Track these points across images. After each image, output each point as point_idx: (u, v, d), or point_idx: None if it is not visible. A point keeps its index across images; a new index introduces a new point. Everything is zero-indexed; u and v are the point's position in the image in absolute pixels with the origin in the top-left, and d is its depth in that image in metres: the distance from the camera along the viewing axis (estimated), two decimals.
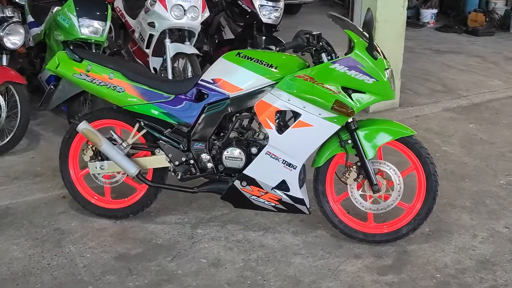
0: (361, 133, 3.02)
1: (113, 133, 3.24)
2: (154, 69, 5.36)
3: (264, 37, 5.60)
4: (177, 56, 5.15)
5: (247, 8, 5.55)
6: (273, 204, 3.14)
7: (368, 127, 3.03)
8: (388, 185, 3.11)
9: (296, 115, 2.97)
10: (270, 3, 5.57)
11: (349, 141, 3.04)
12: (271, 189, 3.09)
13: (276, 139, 3.00)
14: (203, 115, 3.12)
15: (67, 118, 4.79)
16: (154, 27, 5.10)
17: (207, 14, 5.26)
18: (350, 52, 2.90)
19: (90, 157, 3.30)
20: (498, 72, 7.22)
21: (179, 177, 3.19)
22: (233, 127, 3.13)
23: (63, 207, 3.58)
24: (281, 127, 3.03)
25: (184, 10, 5.01)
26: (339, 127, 2.96)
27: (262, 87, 3.02)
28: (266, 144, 3.09)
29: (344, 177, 3.08)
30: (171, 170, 3.25)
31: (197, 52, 5.07)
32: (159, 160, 3.25)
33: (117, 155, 3.19)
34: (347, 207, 3.27)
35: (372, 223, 3.20)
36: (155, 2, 5.11)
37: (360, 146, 3.02)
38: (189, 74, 5.12)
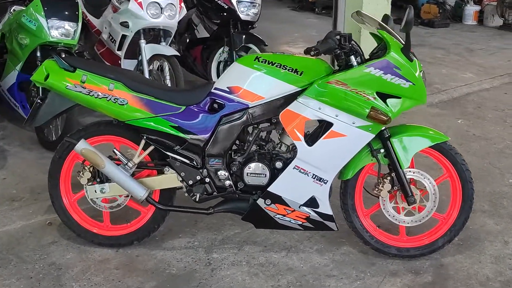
0: (394, 141, 2.78)
1: (116, 152, 2.85)
2: None
3: (244, 35, 5.27)
4: (153, 58, 4.75)
5: (223, 4, 5.20)
6: (300, 223, 2.85)
7: (401, 134, 2.80)
8: (422, 194, 2.89)
9: (326, 124, 2.70)
10: None
11: (381, 150, 2.80)
12: (299, 207, 2.81)
13: (305, 152, 2.71)
14: (219, 128, 2.78)
15: (34, 131, 4.32)
16: (128, 27, 4.68)
17: (184, 12, 4.89)
18: (385, 54, 2.65)
19: (88, 179, 2.89)
20: (466, 64, 7.23)
21: (196, 199, 2.84)
22: (255, 139, 2.82)
23: (52, 236, 3.14)
24: (311, 139, 2.74)
25: (161, 8, 4.63)
26: (373, 136, 2.71)
27: (286, 95, 2.72)
28: (291, 158, 2.81)
29: (377, 189, 2.84)
30: (185, 190, 2.89)
31: (177, 53, 4.69)
32: (170, 179, 2.89)
33: (123, 177, 2.80)
34: (376, 221, 3.02)
35: (405, 236, 2.97)
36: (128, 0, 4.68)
37: (394, 155, 2.78)
38: (167, 77, 4.74)
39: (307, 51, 2.58)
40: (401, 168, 2.79)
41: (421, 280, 2.80)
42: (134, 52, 4.81)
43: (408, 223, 2.92)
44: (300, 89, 2.71)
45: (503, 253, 3.04)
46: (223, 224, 3.27)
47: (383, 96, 2.67)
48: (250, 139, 2.85)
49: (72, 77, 2.77)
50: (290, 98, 2.73)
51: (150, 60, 4.74)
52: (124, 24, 4.68)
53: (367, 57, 2.79)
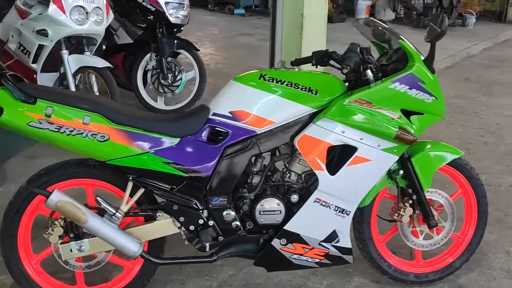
0: (415, 161, 2.53)
1: (100, 201, 2.28)
2: None
3: (175, 40, 4.76)
4: (78, 70, 4.10)
5: (150, 6, 4.65)
6: (318, 260, 2.51)
7: (420, 153, 2.55)
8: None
9: (349, 149, 2.37)
10: (176, 0, 4.74)
11: (400, 172, 2.54)
12: (318, 244, 2.46)
13: (327, 182, 2.36)
14: (223, 161, 2.34)
15: None
16: (47, 36, 3.97)
17: (111, 16, 4.28)
18: (408, 67, 2.37)
19: (59, 236, 2.30)
20: None
21: (205, 248, 2.37)
22: (267, 172, 2.42)
23: None
24: (333, 167, 2.39)
25: (86, 13, 3.98)
26: (397, 157, 2.43)
27: (300, 117, 2.36)
28: (305, 189, 2.45)
29: (398, 214, 2.57)
30: (184, 237, 2.41)
31: (109, 65, 4.08)
32: (165, 226, 2.39)
33: (111, 231, 2.26)
34: (391, 247, 2.77)
35: (421, 261, 2.75)
36: (43, 3, 3.98)
37: (415, 177, 2.53)
38: (97, 93, 4.13)
39: (344, 70, 2.24)
40: (422, 189, 2.55)
41: None
42: (53, 64, 4.11)
43: (427, 247, 2.70)
44: (316, 110, 2.35)
45: (511, 264, 2.94)
46: (213, 266, 2.82)
47: (407, 113, 2.40)
48: (255, 170, 2.44)
49: (34, 111, 2.17)
50: (302, 121, 2.36)
51: (75, 73, 4.08)
52: (42, 33, 3.97)
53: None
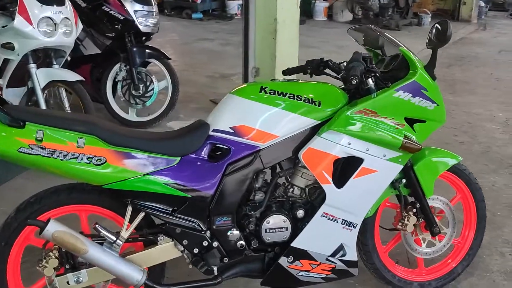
0: (416, 169, 2.49)
1: (100, 229, 2.13)
2: None
3: (146, 49, 4.60)
4: (47, 85, 3.90)
5: (118, 15, 4.48)
6: (324, 276, 2.44)
7: (421, 161, 2.52)
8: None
9: (355, 161, 2.30)
10: (145, 8, 4.60)
11: (403, 180, 2.50)
12: (325, 259, 2.39)
13: (334, 196, 2.29)
14: (226, 179, 2.23)
15: None
16: (13, 50, 3.76)
17: (80, 27, 4.09)
18: (410, 74, 2.33)
19: (55, 268, 2.14)
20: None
21: (213, 271, 2.26)
22: (273, 188, 2.33)
23: None
24: (340, 179, 2.32)
25: (55, 24, 3.78)
26: (402, 166, 2.39)
27: (303, 130, 2.28)
28: (310, 203, 2.37)
29: (402, 224, 2.53)
30: (188, 261, 2.29)
31: (81, 78, 3.90)
32: (167, 251, 2.26)
33: (112, 260, 2.11)
34: (392, 257, 2.73)
35: (424, 268, 2.72)
36: (7, 14, 3.77)
37: (418, 185, 2.50)
38: (68, 108, 3.95)
39: (354, 81, 2.16)
40: (426, 196, 2.52)
41: None
42: (20, 79, 3.90)
43: (430, 254, 2.67)
44: (319, 122, 2.28)
45: (507, 266, 2.96)
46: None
47: (409, 121, 2.36)
48: (257, 186, 2.35)
49: (23, 135, 2.00)
50: (305, 134, 2.29)
51: (44, 88, 3.88)
52: (7, 46, 3.76)
53: None
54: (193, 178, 2.20)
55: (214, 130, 2.24)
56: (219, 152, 2.27)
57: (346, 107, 2.28)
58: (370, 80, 2.31)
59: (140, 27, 4.53)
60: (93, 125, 2.11)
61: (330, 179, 2.27)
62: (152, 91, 4.74)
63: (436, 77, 2.42)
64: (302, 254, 2.34)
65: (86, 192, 2.20)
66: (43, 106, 3.78)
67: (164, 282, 2.34)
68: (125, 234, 2.17)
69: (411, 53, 2.37)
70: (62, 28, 3.82)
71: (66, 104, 3.97)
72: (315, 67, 2.59)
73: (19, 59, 3.78)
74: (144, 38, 4.82)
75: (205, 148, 2.23)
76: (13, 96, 3.96)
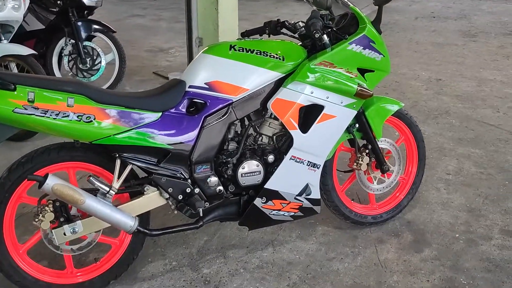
0: (367, 114, 2.82)
1: (94, 180, 2.30)
2: None
3: (91, 23, 4.67)
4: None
5: None
6: (292, 213, 2.73)
7: (371, 107, 2.85)
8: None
9: (317, 108, 2.60)
10: None
11: (356, 125, 2.83)
12: (294, 198, 2.68)
13: (301, 140, 2.58)
14: (204, 130, 2.46)
15: None
16: None
17: (28, 1, 4.09)
18: (360, 30, 2.64)
19: (51, 221, 2.30)
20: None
21: (199, 213, 2.50)
22: (246, 136, 2.58)
23: None
24: (304, 125, 2.60)
25: None
26: (356, 112, 2.71)
27: (270, 83, 2.54)
28: (278, 149, 2.65)
29: (357, 164, 2.87)
30: (173, 207, 2.51)
31: (34, 52, 3.94)
32: (154, 199, 2.47)
33: (107, 209, 2.29)
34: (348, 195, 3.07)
35: (375, 203, 3.08)
36: None
37: (369, 128, 2.83)
38: None
39: (316, 34, 2.45)
40: (375, 139, 2.86)
41: (405, 241, 2.95)
42: None
43: (381, 190, 3.03)
44: (284, 75, 2.55)
45: (443, 198, 3.38)
46: (185, 236, 2.94)
47: (361, 71, 2.68)
48: (230, 136, 2.59)
49: (16, 97, 2.13)
50: (271, 86, 2.55)
51: None
52: None
53: None
54: (174, 130, 2.41)
55: (190, 87, 2.46)
56: (193, 108, 2.48)
57: (307, 60, 2.56)
58: (325, 36, 2.60)
59: (85, 1, 4.58)
60: (80, 85, 2.26)
61: (296, 125, 2.55)
62: (99, 64, 4.82)
63: (381, 31, 2.73)
64: (274, 194, 2.62)
65: (75, 150, 2.36)
66: None
67: (151, 228, 2.54)
68: (116, 185, 2.36)
69: (360, 11, 2.67)
70: (10, 3, 3.83)
71: None
72: (273, 27, 2.83)
73: None
74: (86, 12, 4.86)
75: (183, 103, 2.44)
76: None
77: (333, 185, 2.90)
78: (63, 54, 4.73)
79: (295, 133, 2.56)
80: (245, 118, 2.63)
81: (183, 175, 2.46)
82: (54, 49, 4.72)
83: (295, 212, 2.73)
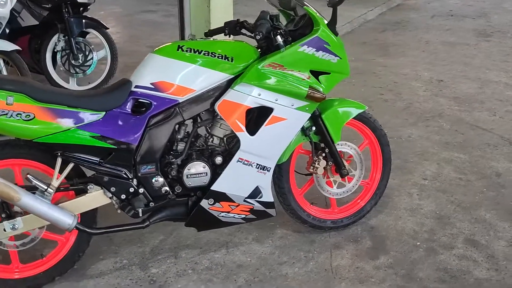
0: (325, 117, 2.77)
1: (31, 178, 2.33)
2: None
3: (84, 20, 4.72)
4: None
5: None
6: (244, 216, 2.72)
7: (329, 109, 2.80)
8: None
9: (266, 110, 2.57)
10: None
11: (313, 128, 2.78)
12: (243, 200, 2.66)
13: (248, 142, 2.55)
14: (149, 130, 2.46)
15: None
16: None
17: None
18: (313, 31, 2.59)
19: None
20: None
21: (139, 213, 2.50)
22: (192, 137, 2.56)
23: None
24: (252, 127, 2.58)
25: None
26: (309, 115, 2.67)
27: (218, 84, 2.52)
28: (228, 151, 2.63)
29: (313, 167, 2.82)
30: (117, 206, 2.52)
31: (18, 48, 4.01)
32: (97, 198, 2.48)
33: (44, 207, 2.32)
34: (308, 199, 3.02)
35: (336, 208, 3.03)
36: None
37: (326, 132, 2.78)
38: None
39: (257, 36, 2.41)
40: (333, 143, 2.81)
41: (363, 247, 2.89)
42: None
43: (340, 194, 2.98)
44: (233, 76, 2.53)
45: (413, 204, 3.30)
46: (142, 234, 2.95)
47: (315, 74, 2.63)
48: (179, 137, 2.58)
49: None
50: (221, 88, 2.53)
51: None
52: None
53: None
54: (117, 130, 2.41)
55: (136, 87, 2.46)
56: (144, 108, 2.48)
57: (257, 62, 2.53)
58: (279, 37, 2.56)
59: None
60: (21, 84, 2.29)
61: (243, 127, 2.52)
62: (91, 60, 4.88)
63: (337, 33, 2.67)
64: (221, 196, 2.60)
65: (19, 147, 2.39)
66: None
67: (95, 226, 2.56)
68: (55, 183, 2.38)
69: (315, 12, 2.62)
70: None
71: (4, 73, 4.07)
72: (232, 27, 2.81)
73: None
74: (81, 8, 4.91)
75: (128, 103, 2.45)
76: None
77: (290, 188, 2.86)
78: (56, 50, 4.80)
79: (242, 135, 2.53)
80: (197, 118, 2.61)
81: (126, 174, 2.47)
82: (48, 45, 4.78)
83: (246, 215, 2.71)
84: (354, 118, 2.89)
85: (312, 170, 2.84)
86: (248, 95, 2.50)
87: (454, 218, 3.15)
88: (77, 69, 4.87)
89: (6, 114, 2.23)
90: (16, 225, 2.36)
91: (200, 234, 2.95)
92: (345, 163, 2.91)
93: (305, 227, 2.99)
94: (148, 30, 7.70)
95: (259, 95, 2.51)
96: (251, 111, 2.56)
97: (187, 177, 2.55)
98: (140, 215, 2.51)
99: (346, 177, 2.94)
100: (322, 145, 2.83)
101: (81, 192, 2.50)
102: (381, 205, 3.25)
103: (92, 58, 4.87)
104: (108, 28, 4.89)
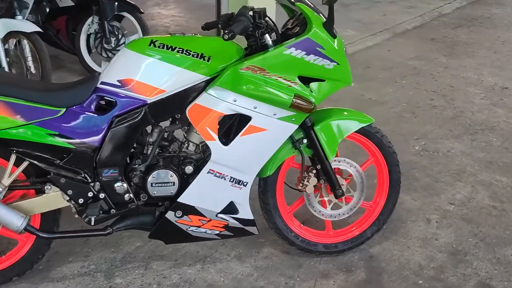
0: (318, 130, 2.44)
1: None
2: None
3: (116, 2, 4.60)
4: (9, 36, 3.96)
5: None
6: (217, 232, 2.45)
7: (324, 120, 2.46)
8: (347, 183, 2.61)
9: (243, 118, 2.28)
10: None
11: (304, 141, 2.45)
12: (216, 215, 2.39)
13: (220, 153, 2.28)
14: (111, 131, 2.24)
15: None
16: None
17: None
18: (305, 31, 2.26)
19: None
20: (344, 21, 7.09)
21: (91, 222, 2.30)
22: (158, 141, 2.33)
23: None
24: (225, 136, 2.30)
25: None
26: (297, 126, 2.34)
27: (192, 86, 2.25)
28: (202, 159, 2.37)
29: (302, 184, 2.50)
30: (74, 211, 2.34)
31: (38, 29, 3.94)
32: (53, 200, 2.31)
33: None
34: (300, 217, 2.71)
35: (331, 230, 2.69)
36: None
37: (319, 146, 2.44)
38: (29, 58, 4.00)
39: (225, 36, 2.10)
40: (327, 159, 2.47)
41: (355, 279, 2.55)
42: None
43: (335, 217, 2.64)
44: (209, 78, 2.25)
45: (429, 233, 2.89)
46: (120, 238, 2.77)
47: (306, 80, 2.30)
48: (151, 140, 2.35)
49: None
50: (196, 90, 2.26)
51: (5, 38, 3.94)
52: None
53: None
54: (77, 129, 2.22)
55: (102, 83, 2.25)
56: (109, 106, 2.27)
57: (236, 63, 2.24)
58: (267, 36, 2.26)
59: None
60: None
61: (215, 136, 2.25)
62: (123, 45, 4.75)
63: (336, 35, 2.31)
64: (190, 210, 2.36)
65: None
66: (2, 56, 3.85)
67: (56, 230, 2.40)
68: (6, 181, 2.24)
69: (310, 9, 2.28)
70: None
71: (28, 54, 4.02)
72: (226, 22, 2.52)
73: None
74: None
75: (91, 100, 2.24)
76: None
77: (276, 205, 2.56)
78: (89, 32, 4.72)
79: (213, 144, 2.26)
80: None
81: (86, 177, 2.28)
82: (83, 27, 4.71)
83: (220, 231, 2.45)
84: (358, 132, 2.53)
85: (301, 188, 2.51)
86: (222, 100, 2.21)
87: (472, 255, 2.72)
88: (109, 53, 4.77)
89: None
90: None
91: (180, 245, 2.72)
92: (343, 182, 2.56)
93: (295, 249, 2.68)
94: (207, 15, 7.47)
95: (235, 101, 2.22)
96: (226, 118, 2.28)
97: (151, 185, 2.32)
98: (92, 223, 2.31)
99: (343, 198, 2.59)
100: (315, 160, 2.50)
101: (41, 191, 2.34)
102: (392, 231, 2.87)
103: (124, 43, 4.74)
104: (142, 13, 4.74)
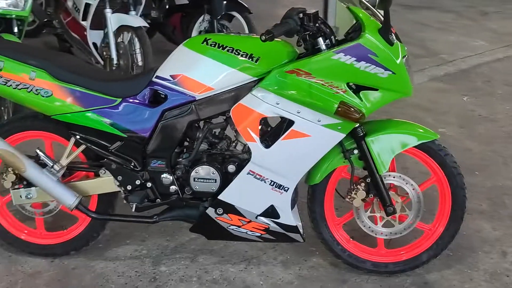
0: (370, 141, 2.31)
1: (40, 153, 2.42)
2: (94, 44, 4.48)
3: (225, 2, 4.75)
4: (121, 29, 4.28)
5: None
6: (258, 234, 2.43)
7: (379, 132, 2.32)
8: (404, 201, 2.44)
9: (287, 122, 2.23)
10: None
11: (355, 151, 2.34)
12: (256, 217, 2.38)
13: (261, 155, 2.26)
14: (161, 124, 2.33)
15: None
16: None
17: None
18: (358, 37, 2.15)
19: (12, 182, 2.47)
20: (478, 30, 6.62)
21: (133, 208, 2.42)
22: (204, 137, 2.37)
23: None
24: (268, 139, 2.27)
25: None
26: (344, 135, 2.24)
27: (240, 86, 2.26)
28: (247, 160, 2.36)
29: (350, 197, 2.38)
30: (123, 196, 2.47)
31: (145, 24, 4.21)
32: (106, 183, 2.46)
33: (48, 182, 2.38)
34: (350, 231, 2.59)
35: (383, 249, 2.54)
36: None
37: (370, 158, 2.31)
38: (137, 50, 4.28)
39: (263, 37, 2.07)
40: (378, 172, 2.33)
41: None
42: (100, 21, 4.34)
43: (386, 235, 2.48)
44: (256, 78, 2.24)
45: (500, 267, 2.59)
46: (179, 228, 2.86)
47: (357, 88, 2.19)
48: (200, 136, 2.40)
49: None
50: (245, 90, 2.26)
51: (118, 31, 4.26)
52: None
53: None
54: (129, 119, 2.34)
55: (156, 77, 2.34)
56: (161, 99, 2.36)
57: (281, 66, 2.20)
58: (320, 39, 2.20)
59: None
60: (44, 60, 2.36)
61: (255, 137, 2.24)
62: None
63: (394, 42, 2.17)
64: (230, 208, 2.36)
65: (47, 120, 2.46)
66: (113, 48, 4.18)
67: (108, 212, 2.54)
68: (64, 161, 2.42)
69: (366, 13, 2.17)
70: None
71: (137, 49, 4.30)
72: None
73: (96, 3, 4.20)
74: None
75: (145, 93, 2.35)
76: (95, 37, 4.43)
77: (323, 215, 2.47)
78: (199, 30, 4.92)
79: (254, 145, 2.25)
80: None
81: (135, 166, 2.39)
82: (195, 25, 4.93)
83: (261, 234, 2.42)
84: (419, 148, 2.36)
85: (348, 200, 2.40)
86: (264, 102, 2.19)
87: None
88: None
89: (27, 88, 2.32)
90: (31, 194, 2.47)
91: (230, 242, 2.74)
92: (398, 199, 2.40)
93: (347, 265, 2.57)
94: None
95: (277, 103, 2.19)
96: (269, 121, 2.25)
97: (194, 180, 2.37)
98: (133, 209, 2.41)
99: (396, 216, 2.43)
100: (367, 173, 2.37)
101: (97, 175, 2.50)
102: (458, 259, 2.63)
103: None
104: (251, 13, 4.83)
